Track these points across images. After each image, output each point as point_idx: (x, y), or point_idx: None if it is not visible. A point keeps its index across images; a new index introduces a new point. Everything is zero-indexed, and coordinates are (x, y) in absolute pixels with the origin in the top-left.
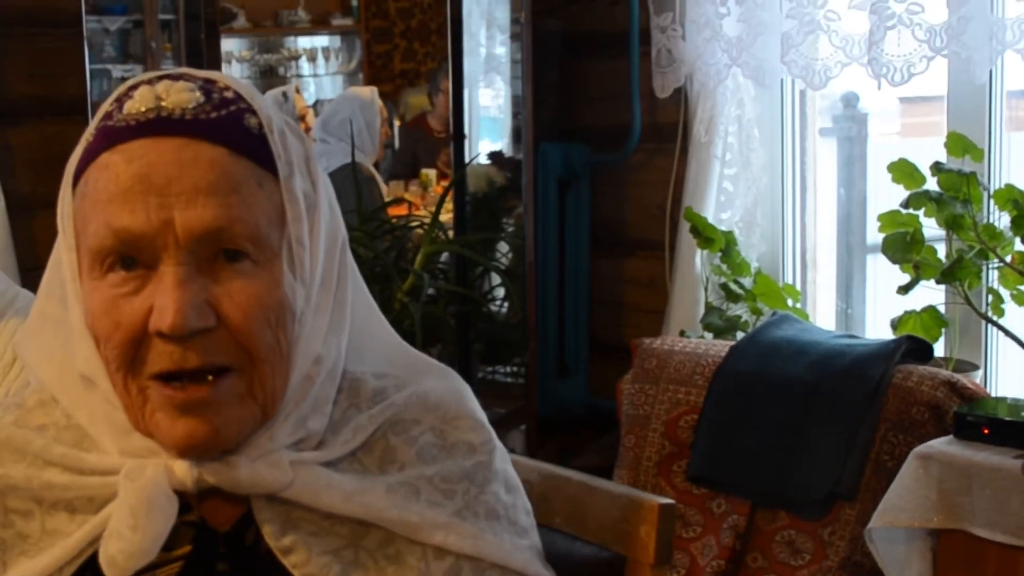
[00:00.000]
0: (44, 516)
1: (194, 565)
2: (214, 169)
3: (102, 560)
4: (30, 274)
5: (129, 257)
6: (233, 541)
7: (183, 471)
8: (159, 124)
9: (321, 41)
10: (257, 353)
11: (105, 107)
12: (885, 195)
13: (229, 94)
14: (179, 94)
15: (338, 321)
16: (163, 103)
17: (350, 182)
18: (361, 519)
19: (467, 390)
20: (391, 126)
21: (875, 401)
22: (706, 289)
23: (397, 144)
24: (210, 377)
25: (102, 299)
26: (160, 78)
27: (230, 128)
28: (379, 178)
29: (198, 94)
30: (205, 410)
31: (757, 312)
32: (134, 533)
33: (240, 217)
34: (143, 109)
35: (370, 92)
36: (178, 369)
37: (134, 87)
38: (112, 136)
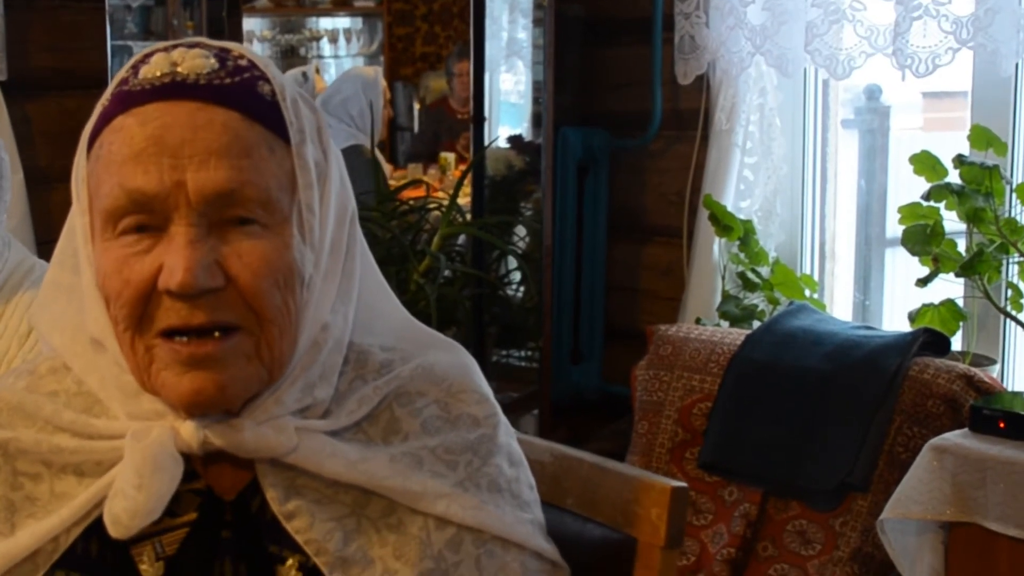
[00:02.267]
0: (53, 479)
1: (199, 532)
2: (227, 132)
3: (106, 518)
4: (47, 247)
5: (141, 217)
6: (238, 509)
7: (189, 433)
8: (174, 88)
9: (343, 22)
10: (265, 313)
11: (121, 73)
12: (905, 188)
13: (243, 62)
14: (194, 60)
15: (346, 291)
16: (178, 68)
17: (356, 164)
18: (364, 487)
19: (473, 364)
20: (410, 108)
21: (891, 393)
22: (723, 277)
23: (417, 127)
24: (217, 334)
25: (113, 258)
26: (176, 46)
27: (243, 94)
28: (382, 159)
29: (213, 61)
30: (212, 365)
31: (774, 301)
32: (138, 492)
33: (251, 180)
34: (158, 74)
35: (374, 72)
36: (185, 325)
37: (150, 54)
38: (127, 100)
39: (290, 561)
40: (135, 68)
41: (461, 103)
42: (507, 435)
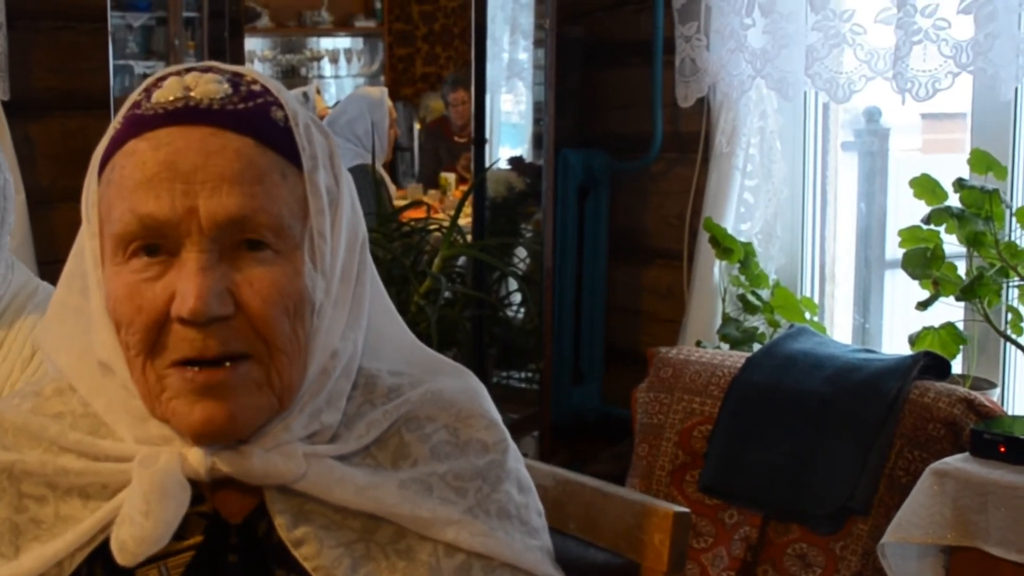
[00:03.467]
0: (58, 502)
1: (205, 555)
2: (240, 159)
3: (113, 545)
4: (48, 267)
5: (152, 243)
6: (245, 533)
7: (197, 459)
8: (187, 113)
9: (343, 43)
10: (275, 342)
11: (134, 97)
12: (905, 210)
13: (256, 87)
14: (207, 85)
15: (356, 317)
16: (191, 93)
17: (362, 183)
18: (373, 513)
19: (482, 389)
20: (411, 128)
21: (891, 416)
22: (723, 300)
23: (417, 147)
24: (228, 363)
25: (124, 284)
26: (189, 70)
27: (256, 119)
28: (387, 179)
29: (226, 86)
30: (223, 393)
31: (774, 324)
32: (146, 519)
33: (263, 207)
34: (171, 98)
35: (379, 92)
36: (199, 356)
37: (163, 78)
38: (140, 124)
39: None
40: (148, 92)
41: (459, 130)
42: (516, 461)
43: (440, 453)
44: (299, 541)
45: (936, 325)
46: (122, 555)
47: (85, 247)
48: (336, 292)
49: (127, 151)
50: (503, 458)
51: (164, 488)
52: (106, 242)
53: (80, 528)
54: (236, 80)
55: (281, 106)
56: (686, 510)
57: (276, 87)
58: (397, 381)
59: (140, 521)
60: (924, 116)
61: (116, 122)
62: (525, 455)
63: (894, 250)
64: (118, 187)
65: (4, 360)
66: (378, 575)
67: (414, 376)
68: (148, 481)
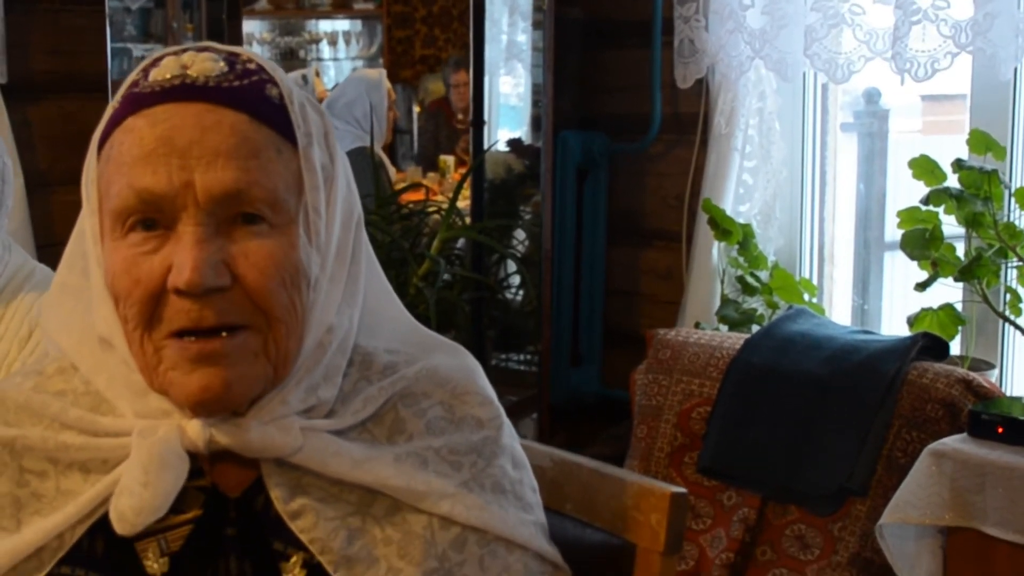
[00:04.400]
0: (59, 476)
1: (203, 528)
2: (235, 134)
3: (112, 515)
4: (47, 250)
5: (150, 218)
6: (243, 506)
7: (195, 431)
8: (183, 90)
9: (342, 25)
10: (272, 312)
11: (132, 76)
12: (904, 192)
13: (252, 66)
14: (204, 63)
15: (351, 294)
16: (188, 71)
17: (361, 166)
18: (368, 486)
19: (477, 367)
20: (409, 111)
21: (889, 397)
22: (722, 281)
23: (416, 130)
24: (224, 333)
25: (122, 258)
26: (186, 49)
27: (252, 96)
28: (387, 161)
29: (222, 64)
30: (219, 361)
31: (773, 306)
32: (144, 489)
33: (258, 181)
34: (168, 76)
35: (378, 74)
36: (195, 326)
37: (160, 58)
38: (138, 102)
39: (294, 558)
40: (145, 71)
41: (460, 112)
42: (511, 437)
43: (435, 428)
44: (296, 514)
45: (935, 306)
46: (121, 524)
47: (85, 227)
48: (331, 268)
49: (125, 128)
50: (498, 434)
51: (163, 459)
52: (105, 218)
53: (80, 501)
54: (232, 59)
55: (276, 84)
56: (683, 490)
57: (271, 66)
58: (393, 359)
59: (139, 491)
60: (924, 97)
61: (115, 101)
62: (524, 437)
63: (893, 231)
64: (116, 163)
65: (2, 339)
66: (374, 547)
67: (410, 354)
68: (147, 452)
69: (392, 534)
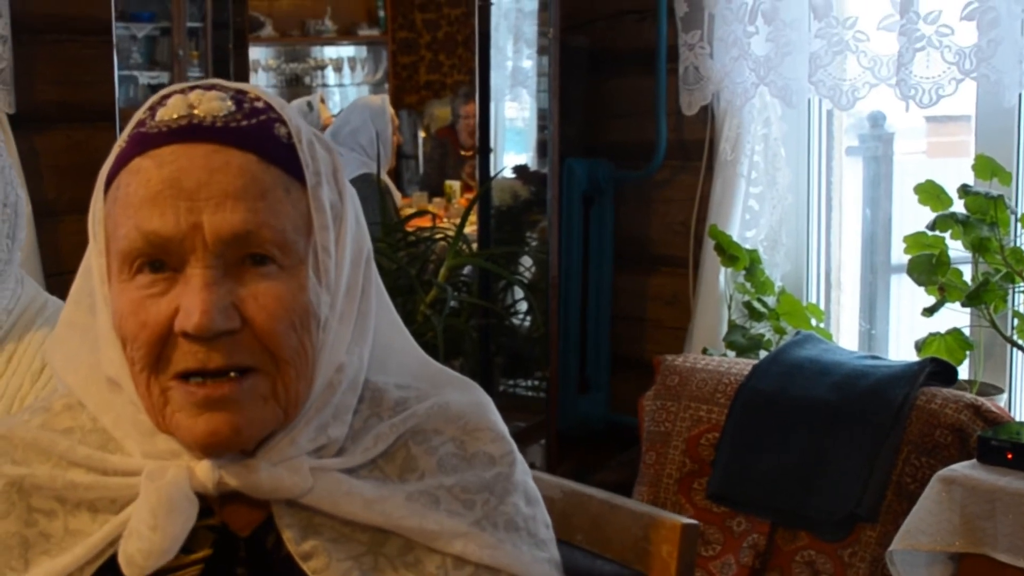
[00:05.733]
0: (67, 516)
1: (213, 569)
2: (243, 175)
3: (121, 559)
4: (54, 279)
5: (157, 260)
6: (253, 546)
7: (204, 473)
8: (191, 131)
9: (347, 51)
10: (281, 355)
11: (138, 115)
12: (911, 215)
13: (260, 104)
14: (211, 102)
15: (361, 331)
16: (195, 111)
17: (367, 193)
18: (380, 527)
19: (489, 402)
20: (415, 136)
21: (898, 423)
22: (729, 307)
23: (422, 155)
24: (232, 375)
25: (130, 300)
26: (193, 88)
27: (260, 136)
28: (393, 187)
29: (229, 103)
30: (227, 405)
31: (780, 331)
32: (153, 533)
33: (267, 222)
34: (175, 116)
35: (381, 100)
36: (201, 368)
37: (167, 96)
38: (144, 142)
39: None
40: (152, 110)
41: (466, 144)
42: (523, 473)
43: (447, 466)
44: (307, 555)
45: (942, 331)
46: (130, 569)
47: (92, 265)
48: (341, 307)
49: (132, 169)
50: (510, 471)
51: (172, 502)
52: (112, 259)
53: (89, 542)
54: (239, 97)
55: (284, 122)
56: (694, 522)
57: (279, 103)
58: (404, 395)
59: (148, 535)
60: (929, 119)
61: (121, 140)
62: (532, 464)
63: (900, 256)
64: (123, 204)
65: (15, 373)
66: None
67: (421, 389)
68: (155, 495)
69: (405, 574)
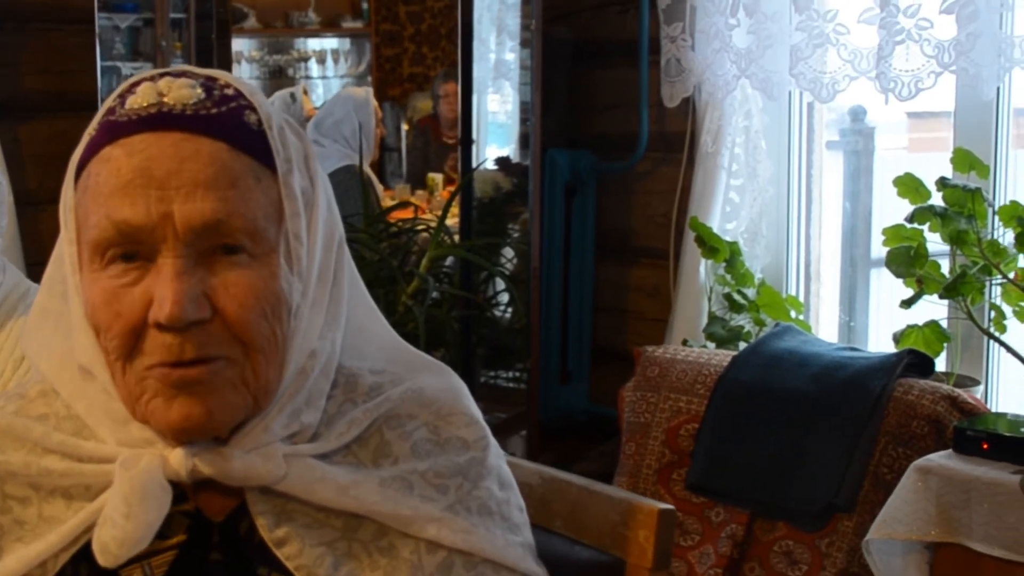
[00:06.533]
0: (41, 503)
1: (188, 554)
2: (213, 163)
3: (95, 547)
4: (36, 269)
5: (129, 250)
6: (227, 531)
7: (178, 461)
8: (160, 119)
9: (331, 43)
10: (252, 342)
11: (108, 103)
12: (890, 209)
13: (230, 91)
14: (180, 90)
15: (334, 317)
16: (164, 99)
17: (349, 184)
18: (354, 512)
19: (463, 387)
20: (398, 129)
21: (875, 414)
22: (709, 299)
23: (404, 148)
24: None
25: (102, 290)
26: (162, 75)
27: (230, 124)
28: (375, 179)
29: (199, 90)
30: (199, 389)
31: (760, 323)
32: (127, 521)
33: (238, 211)
34: (145, 104)
35: (364, 92)
36: (175, 360)
37: (136, 84)
38: (114, 130)
39: None
40: (122, 98)
41: (448, 126)
42: (497, 457)
43: (421, 451)
44: (281, 541)
45: (920, 323)
46: (104, 556)
47: (64, 253)
48: (313, 293)
49: (102, 158)
50: (484, 455)
51: (145, 490)
52: (83, 248)
53: (63, 529)
54: (209, 84)
55: (254, 109)
56: (671, 507)
57: (250, 90)
58: (378, 379)
59: (121, 523)
60: (910, 115)
61: (91, 128)
62: (512, 454)
63: (879, 248)
64: (94, 193)
65: None
66: (360, 573)
67: (395, 374)
68: (129, 483)
69: (379, 559)
